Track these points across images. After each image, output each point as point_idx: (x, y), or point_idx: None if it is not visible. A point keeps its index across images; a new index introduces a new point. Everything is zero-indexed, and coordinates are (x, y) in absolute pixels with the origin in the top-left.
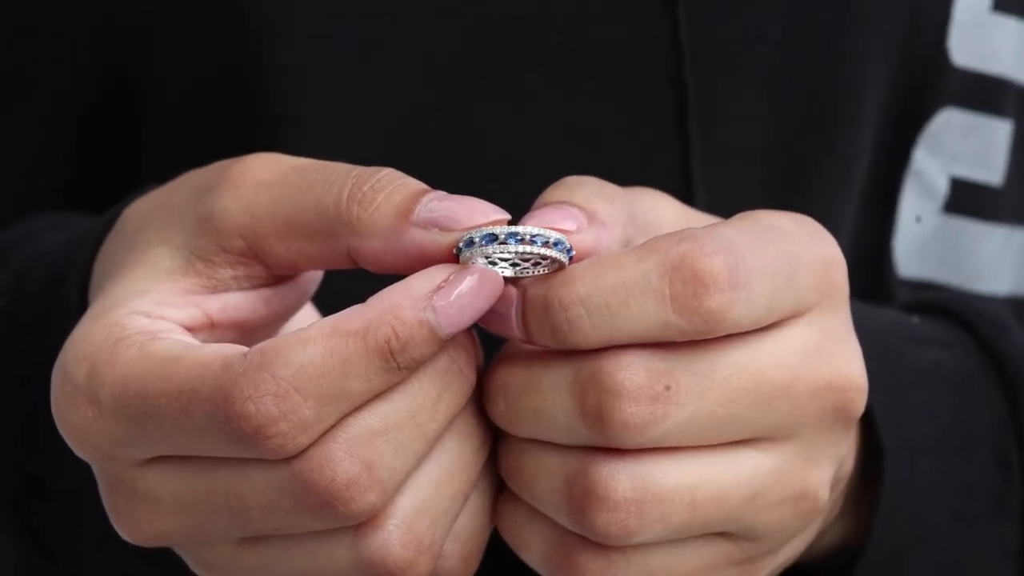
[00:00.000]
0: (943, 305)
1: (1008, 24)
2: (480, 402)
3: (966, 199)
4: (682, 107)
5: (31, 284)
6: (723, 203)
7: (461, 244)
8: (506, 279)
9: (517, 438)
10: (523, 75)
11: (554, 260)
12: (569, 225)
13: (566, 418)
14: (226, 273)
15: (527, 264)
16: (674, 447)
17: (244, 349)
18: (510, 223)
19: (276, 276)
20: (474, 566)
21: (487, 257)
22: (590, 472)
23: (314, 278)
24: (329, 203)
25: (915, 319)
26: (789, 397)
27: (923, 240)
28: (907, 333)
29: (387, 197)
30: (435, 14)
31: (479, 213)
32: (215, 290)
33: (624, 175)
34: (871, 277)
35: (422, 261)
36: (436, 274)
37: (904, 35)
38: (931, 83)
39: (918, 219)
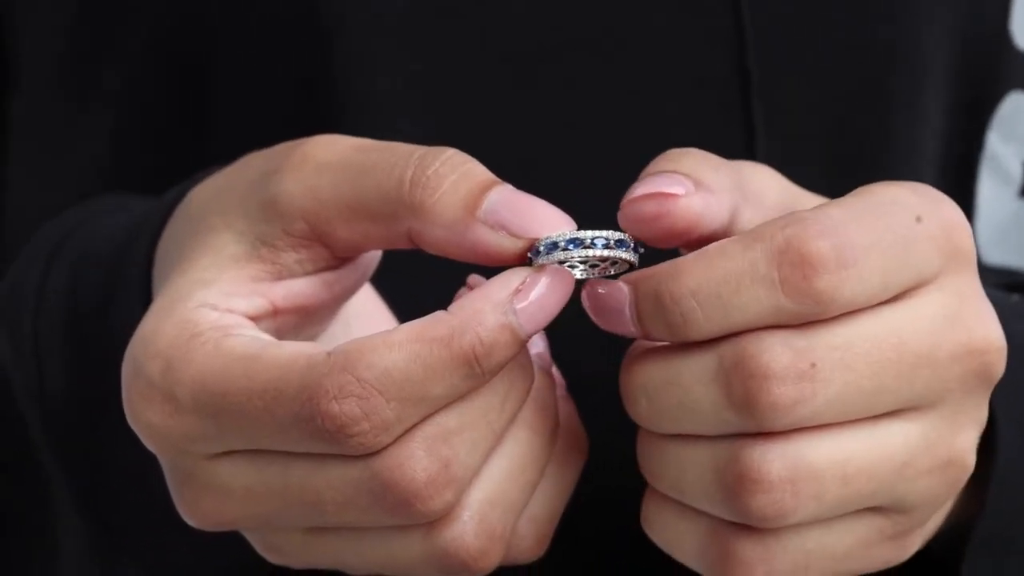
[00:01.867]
0: None
1: None
2: (545, 396)
3: None
4: (746, 94)
5: (92, 270)
6: None
7: (530, 254)
8: (609, 277)
9: (659, 435)
10: (587, 64)
11: (623, 261)
12: (677, 189)
13: (713, 408)
14: (290, 257)
15: (602, 264)
16: (824, 424)
17: (325, 349)
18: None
19: (338, 258)
20: (546, 545)
21: (549, 259)
22: (741, 457)
23: (372, 260)
24: (391, 186)
25: (1015, 297)
26: (931, 364)
27: (1004, 226)
28: (1011, 309)
29: (453, 185)
30: (498, 3)
31: (548, 222)
32: (279, 276)
33: None
34: None
35: (486, 258)
36: (513, 277)
37: (964, 19)
38: (996, 67)
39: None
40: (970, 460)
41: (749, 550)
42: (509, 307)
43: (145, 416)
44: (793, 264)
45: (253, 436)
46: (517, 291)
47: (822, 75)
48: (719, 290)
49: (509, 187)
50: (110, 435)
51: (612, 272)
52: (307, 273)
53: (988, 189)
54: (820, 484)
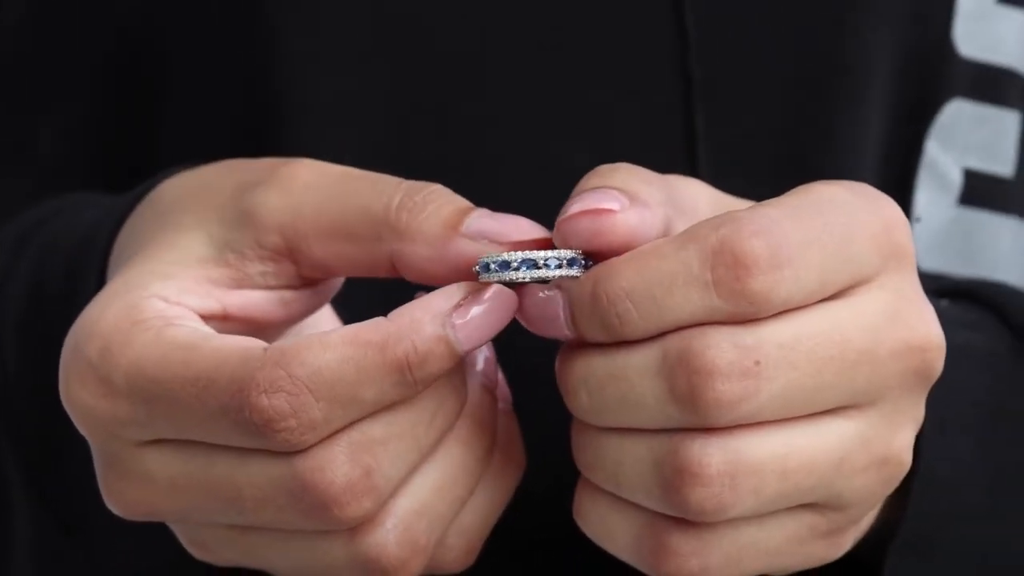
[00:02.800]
0: (971, 290)
1: (1013, 16)
2: (482, 414)
3: (980, 191)
4: (688, 97)
5: (57, 258)
6: (728, 191)
7: (478, 267)
8: (544, 280)
9: (597, 429)
10: (529, 66)
11: (574, 281)
12: (612, 205)
13: (656, 402)
14: (255, 268)
15: (548, 268)
16: (764, 421)
17: (263, 344)
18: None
19: (302, 278)
20: (474, 558)
21: (504, 282)
22: (681, 451)
23: (332, 288)
24: (378, 208)
25: (944, 302)
26: (872, 361)
27: (940, 233)
28: (939, 314)
29: (437, 209)
30: (443, 5)
31: (526, 231)
32: (240, 284)
33: (631, 163)
34: None
35: (465, 273)
36: (455, 292)
37: (908, 25)
38: (938, 74)
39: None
40: (906, 458)
41: (683, 543)
42: (448, 320)
43: (79, 396)
44: (727, 265)
45: (183, 425)
46: (458, 305)
47: (764, 79)
48: (653, 291)
49: (487, 210)
50: (66, 424)
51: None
52: (268, 287)
53: (925, 196)
54: (759, 479)
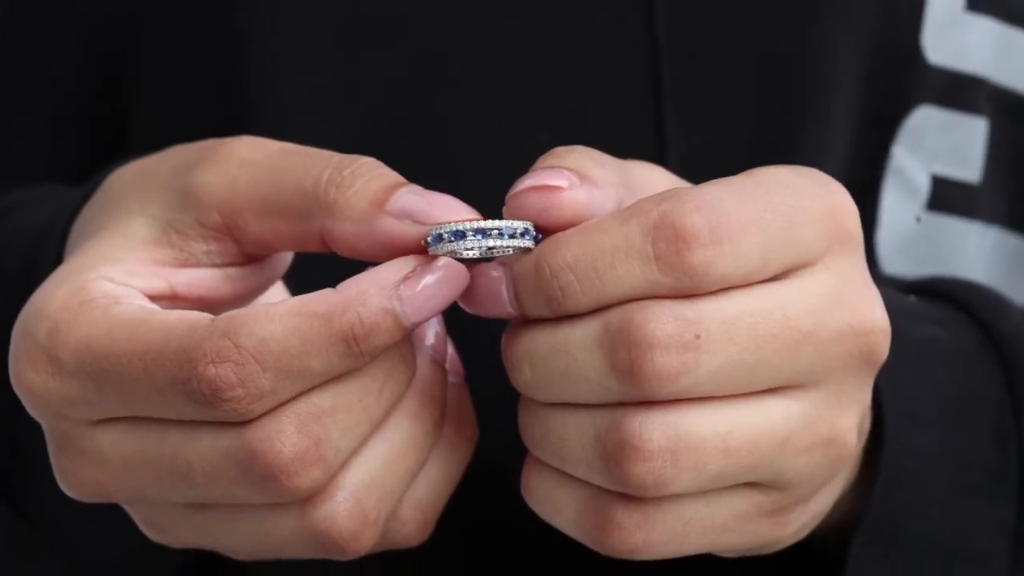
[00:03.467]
0: (939, 286)
1: (982, 24)
2: (431, 387)
3: (947, 197)
4: (658, 99)
5: (16, 250)
6: None
7: (430, 239)
8: (487, 259)
9: (541, 404)
10: (499, 65)
11: (525, 251)
12: (561, 183)
13: (597, 375)
14: (198, 247)
15: (499, 254)
16: (706, 397)
17: (210, 316)
18: (485, 218)
19: (246, 255)
20: (429, 531)
21: (455, 254)
22: (623, 425)
23: (281, 263)
24: (308, 184)
25: (912, 298)
26: (815, 342)
27: (906, 238)
28: (905, 310)
29: (365, 184)
30: (415, 6)
31: (451, 211)
32: (185, 263)
33: None
34: None
35: (391, 249)
36: (404, 265)
37: (876, 31)
38: (906, 80)
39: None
40: (851, 440)
41: (627, 517)
42: (395, 292)
43: (27, 377)
44: (667, 239)
45: (132, 400)
46: (406, 278)
47: (733, 82)
48: (595, 263)
49: (419, 187)
50: (21, 413)
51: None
52: (213, 265)
53: (891, 201)
54: (701, 455)
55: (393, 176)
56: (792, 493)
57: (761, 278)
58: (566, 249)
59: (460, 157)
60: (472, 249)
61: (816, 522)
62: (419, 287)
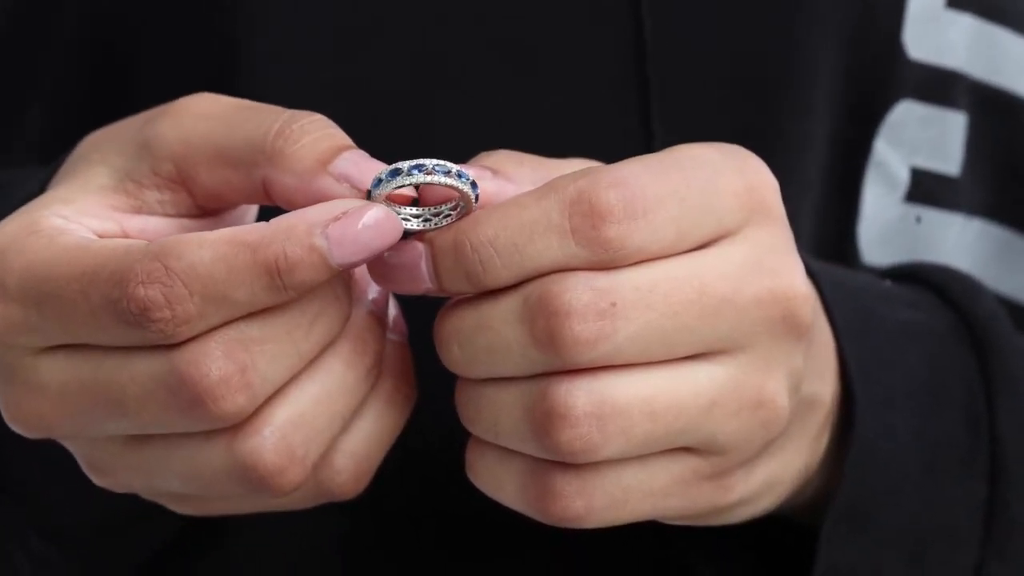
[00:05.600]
0: (914, 270)
1: (962, 20)
2: (366, 336)
3: (927, 189)
4: (645, 99)
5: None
6: None
7: (371, 184)
8: (411, 232)
9: (474, 382)
10: (489, 67)
11: (460, 193)
12: (475, 176)
13: (519, 347)
14: (152, 196)
15: (435, 217)
16: (630, 364)
17: (151, 230)
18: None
19: (199, 208)
20: (364, 484)
21: (391, 190)
22: (548, 394)
23: (239, 221)
24: (259, 134)
25: (887, 282)
26: (734, 307)
27: (887, 229)
28: (879, 293)
29: (313, 141)
30: (410, 7)
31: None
32: (139, 211)
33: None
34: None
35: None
36: (336, 206)
37: (856, 27)
38: (887, 75)
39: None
40: (781, 403)
41: (567, 484)
42: (322, 231)
43: None
44: (583, 214)
45: (70, 324)
46: (336, 218)
47: (719, 79)
48: (515, 238)
49: (363, 152)
50: None
51: (441, 224)
52: (167, 215)
53: (873, 193)
54: (626, 420)
55: (340, 137)
56: (729, 457)
57: (678, 251)
58: (486, 225)
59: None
60: (407, 183)
61: (774, 493)
62: (347, 228)
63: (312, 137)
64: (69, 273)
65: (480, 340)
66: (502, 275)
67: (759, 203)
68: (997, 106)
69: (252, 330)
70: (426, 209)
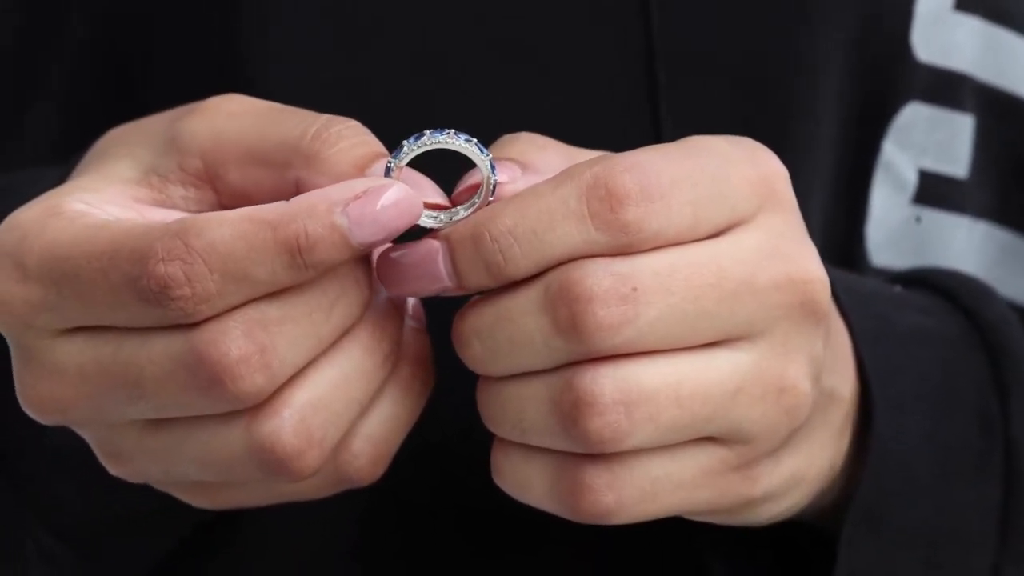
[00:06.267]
0: (924, 276)
1: (969, 23)
2: (385, 321)
3: (935, 191)
4: (654, 99)
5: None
6: None
7: (390, 160)
8: (426, 229)
9: (496, 381)
10: (498, 66)
11: (478, 165)
12: (503, 178)
13: (542, 336)
14: (176, 191)
15: (449, 219)
16: (653, 350)
17: (169, 220)
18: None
19: (222, 206)
20: (382, 469)
21: (411, 153)
22: (575, 383)
23: None
24: (294, 136)
25: (897, 288)
26: (752, 292)
27: (895, 231)
28: (891, 298)
29: (351, 145)
30: (414, 6)
31: (423, 190)
32: (162, 204)
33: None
34: (844, 265)
35: None
36: (357, 184)
37: (864, 28)
38: (895, 77)
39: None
40: (803, 388)
41: (596, 478)
42: (343, 209)
43: None
44: (600, 199)
45: (90, 304)
46: (357, 197)
47: (727, 80)
48: (534, 226)
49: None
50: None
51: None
52: (188, 211)
53: (881, 195)
54: (654, 406)
55: (377, 144)
56: (755, 446)
57: (694, 236)
58: (505, 215)
59: (457, 156)
60: (424, 145)
61: (800, 490)
62: (368, 206)
63: (350, 142)
64: (89, 252)
65: (501, 334)
66: (523, 264)
67: (771, 191)
68: (1003, 109)
69: (272, 311)
70: (440, 212)
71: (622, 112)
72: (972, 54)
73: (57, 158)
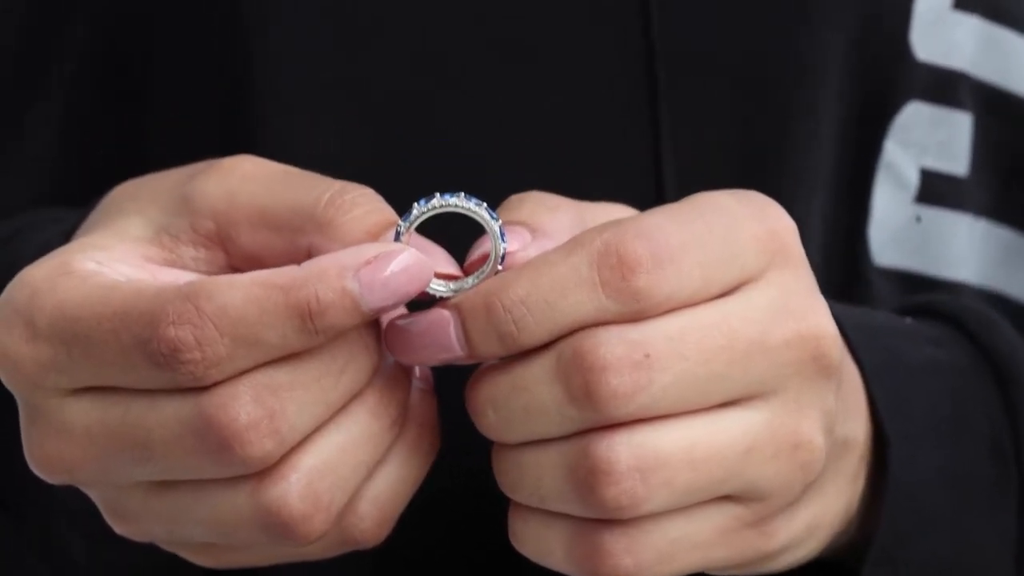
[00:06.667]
0: (933, 306)
1: (968, 22)
2: (393, 386)
3: (936, 190)
4: (653, 99)
5: (22, 263)
6: (692, 192)
7: (400, 221)
8: (435, 298)
9: (511, 447)
10: (489, 66)
11: (488, 231)
12: (513, 246)
13: (556, 405)
14: (188, 252)
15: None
16: (666, 414)
17: (183, 281)
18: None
19: (232, 268)
20: (387, 531)
21: (421, 216)
22: (590, 451)
23: None
24: (308, 201)
25: (907, 319)
26: (764, 351)
27: (898, 230)
28: (901, 331)
29: (365, 214)
30: (415, 6)
31: (436, 260)
32: (173, 265)
33: (596, 165)
34: (847, 265)
35: None
36: (368, 249)
37: (863, 28)
38: (895, 77)
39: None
40: (817, 444)
41: (614, 543)
42: (354, 275)
43: (2, 342)
44: (612, 267)
45: (100, 365)
46: (368, 262)
47: (728, 80)
48: (547, 296)
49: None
50: (8, 416)
51: (468, 286)
52: (199, 272)
53: (883, 194)
54: (669, 471)
55: (390, 212)
56: (770, 502)
57: (705, 297)
58: (517, 285)
59: (458, 156)
60: (435, 208)
61: (816, 537)
62: (379, 272)
63: (364, 210)
64: (100, 313)
65: (516, 403)
66: (536, 334)
67: (780, 247)
68: (1001, 107)
69: (281, 375)
70: (449, 282)
71: (622, 112)
72: (971, 53)
73: (56, 158)
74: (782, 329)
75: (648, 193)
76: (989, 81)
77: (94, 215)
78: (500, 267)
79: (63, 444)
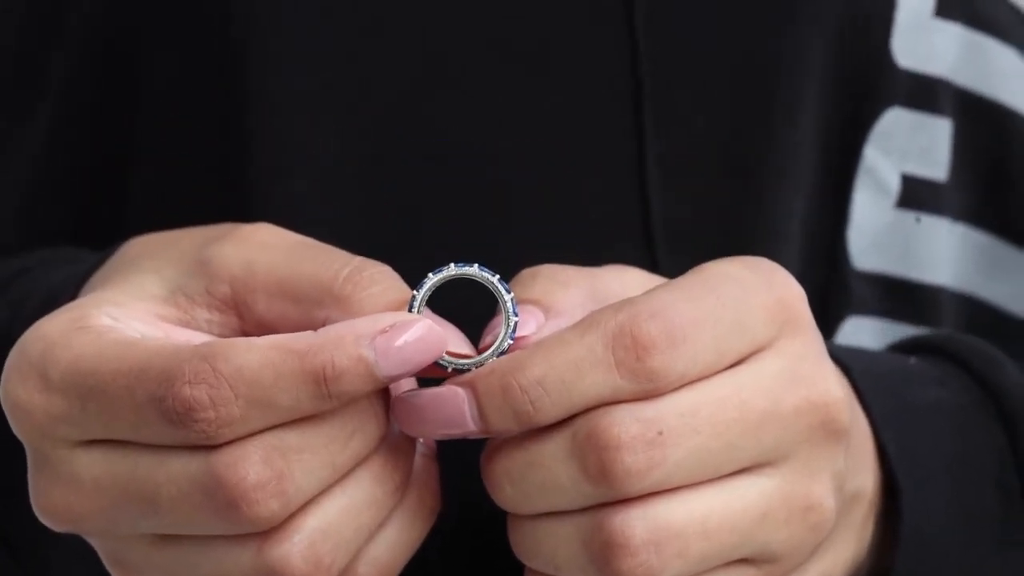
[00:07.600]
0: (937, 344)
1: (950, 29)
2: (398, 453)
3: (916, 195)
4: (638, 102)
5: (28, 310)
6: (675, 193)
7: (416, 290)
8: (448, 372)
9: (528, 518)
10: (488, 67)
11: (500, 303)
12: (529, 328)
13: (572, 482)
14: (202, 314)
15: (472, 360)
16: (680, 486)
17: (198, 342)
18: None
19: (244, 333)
20: None
21: (434, 285)
22: (605, 526)
23: None
24: (326, 275)
25: (912, 360)
26: (776, 419)
27: (878, 235)
28: (907, 374)
29: (382, 291)
30: (404, 9)
31: (451, 340)
32: (187, 325)
33: (581, 166)
34: (827, 269)
35: None
36: (384, 318)
37: (848, 36)
38: (876, 83)
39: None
40: (828, 505)
41: None
42: (370, 342)
43: (15, 392)
44: (626, 347)
45: (112, 420)
46: (383, 331)
47: (710, 83)
48: (563, 376)
49: (426, 310)
50: (16, 457)
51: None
52: (212, 334)
53: (863, 200)
54: (682, 542)
55: (406, 290)
56: (783, 563)
57: (717, 369)
58: (533, 365)
59: (456, 156)
60: (447, 277)
61: None
62: (394, 341)
63: (381, 287)
64: (116, 368)
65: (532, 479)
66: (552, 413)
67: (789, 315)
68: (981, 114)
69: (291, 438)
70: (461, 359)
71: (608, 112)
72: (952, 60)
73: (47, 156)
74: (793, 397)
75: (632, 191)
76: (970, 88)
77: (108, 267)
78: (511, 340)
79: (70, 494)
